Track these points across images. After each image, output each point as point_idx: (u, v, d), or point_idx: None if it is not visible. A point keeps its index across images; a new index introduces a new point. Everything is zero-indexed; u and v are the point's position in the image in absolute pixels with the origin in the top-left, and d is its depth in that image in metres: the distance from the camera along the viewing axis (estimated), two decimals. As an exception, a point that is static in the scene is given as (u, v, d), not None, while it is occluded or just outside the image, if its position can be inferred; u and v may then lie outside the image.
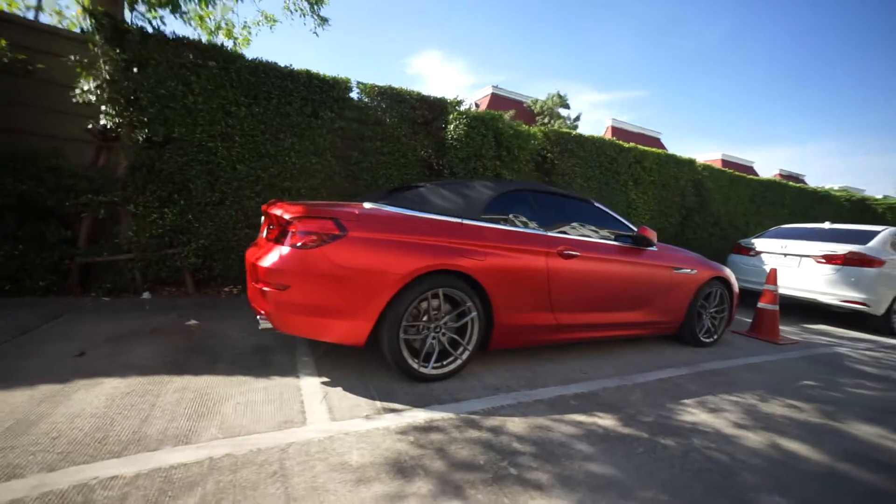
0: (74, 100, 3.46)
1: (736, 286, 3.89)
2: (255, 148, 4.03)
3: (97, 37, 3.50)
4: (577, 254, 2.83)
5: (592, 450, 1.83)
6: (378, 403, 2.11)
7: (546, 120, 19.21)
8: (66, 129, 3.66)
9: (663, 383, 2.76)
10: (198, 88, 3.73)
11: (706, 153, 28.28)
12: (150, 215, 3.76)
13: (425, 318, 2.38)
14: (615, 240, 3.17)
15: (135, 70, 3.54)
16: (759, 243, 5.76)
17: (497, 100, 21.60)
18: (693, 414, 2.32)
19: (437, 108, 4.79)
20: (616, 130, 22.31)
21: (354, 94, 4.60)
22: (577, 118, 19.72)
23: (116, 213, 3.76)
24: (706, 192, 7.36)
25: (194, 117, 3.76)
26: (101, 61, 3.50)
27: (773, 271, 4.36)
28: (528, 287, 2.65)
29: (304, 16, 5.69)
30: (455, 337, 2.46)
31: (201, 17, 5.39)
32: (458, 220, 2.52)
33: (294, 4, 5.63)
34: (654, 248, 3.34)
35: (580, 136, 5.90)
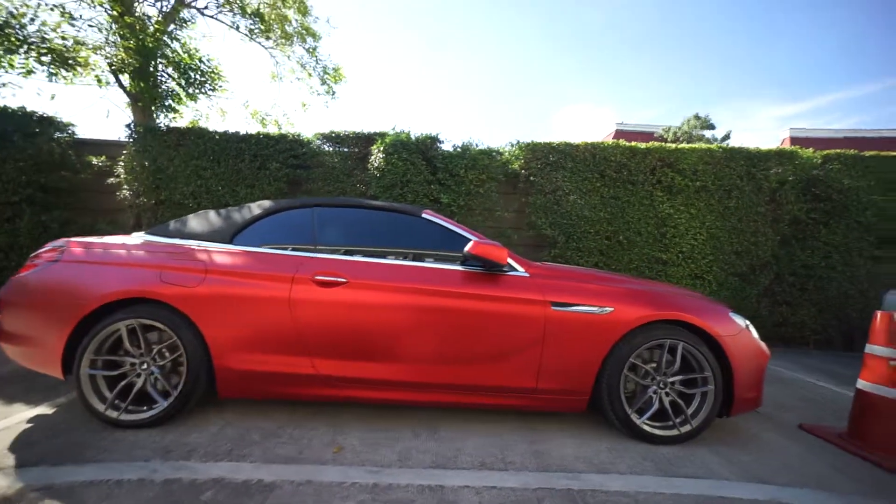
0: (110, 180, 5.00)
1: (745, 341, 2.26)
2: (217, 200, 4.86)
3: (129, 138, 5.06)
4: (344, 280, 2.15)
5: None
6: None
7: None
8: (118, 202, 5.24)
9: (425, 494, 1.67)
10: (178, 161, 4.86)
11: None
12: (148, 260, 4.90)
13: (130, 355, 2.12)
14: (460, 264, 2.26)
15: (142, 155, 4.91)
16: None
17: (621, 136, 19.54)
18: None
19: (372, 142, 4.82)
20: (797, 141, 16.88)
21: (315, 144, 5.09)
22: (725, 138, 15.95)
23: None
24: (840, 195, 4.80)
25: (176, 182, 4.87)
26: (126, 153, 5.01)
27: (886, 319, 2.27)
28: (260, 322, 2.13)
29: (320, 95, 6.83)
30: (160, 379, 2.12)
31: (253, 114, 7.15)
32: (187, 245, 2.26)
33: (313, 90, 6.87)
34: (521, 273, 2.26)
35: (566, 144, 4.87)
